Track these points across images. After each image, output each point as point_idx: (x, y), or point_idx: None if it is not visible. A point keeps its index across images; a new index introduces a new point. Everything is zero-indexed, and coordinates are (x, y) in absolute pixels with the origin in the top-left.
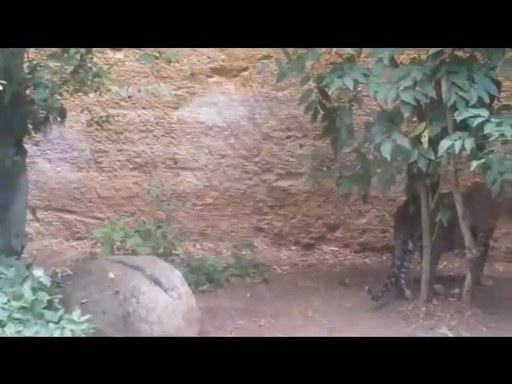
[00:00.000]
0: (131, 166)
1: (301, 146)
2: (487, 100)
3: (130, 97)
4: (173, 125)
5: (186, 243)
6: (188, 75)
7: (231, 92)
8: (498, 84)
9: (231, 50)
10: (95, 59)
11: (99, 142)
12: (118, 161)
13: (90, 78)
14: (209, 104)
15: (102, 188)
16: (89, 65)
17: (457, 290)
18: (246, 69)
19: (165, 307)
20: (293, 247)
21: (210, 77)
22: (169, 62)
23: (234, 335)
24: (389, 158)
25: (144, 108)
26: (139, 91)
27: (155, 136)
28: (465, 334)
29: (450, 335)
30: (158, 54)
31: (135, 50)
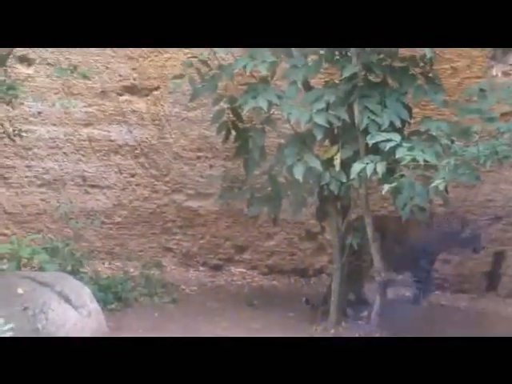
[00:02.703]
0: (39, 183)
1: (211, 166)
2: (399, 124)
3: (39, 112)
4: (82, 142)
5: (94, 261)
6: (99, 93)
7: (142, 111)
8: (409, 109)
9: (143, 68)
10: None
11: (7, 157)
12: (26, 177)
13: (4, 89)
14: (119, 122)
15: (9, 204)
16: (2, 77)
17: (365, 313)
18: (157, 88)
19: (74, 324)
20: (201, 268)
21: (121, 95)
22: (84, 77)
23: None
24: (301, 180)
25: (54, 124)
26: (53, 105)
27: (64, 153)
28: None
29: None
30: (72, 69)
31: (46, 66)
